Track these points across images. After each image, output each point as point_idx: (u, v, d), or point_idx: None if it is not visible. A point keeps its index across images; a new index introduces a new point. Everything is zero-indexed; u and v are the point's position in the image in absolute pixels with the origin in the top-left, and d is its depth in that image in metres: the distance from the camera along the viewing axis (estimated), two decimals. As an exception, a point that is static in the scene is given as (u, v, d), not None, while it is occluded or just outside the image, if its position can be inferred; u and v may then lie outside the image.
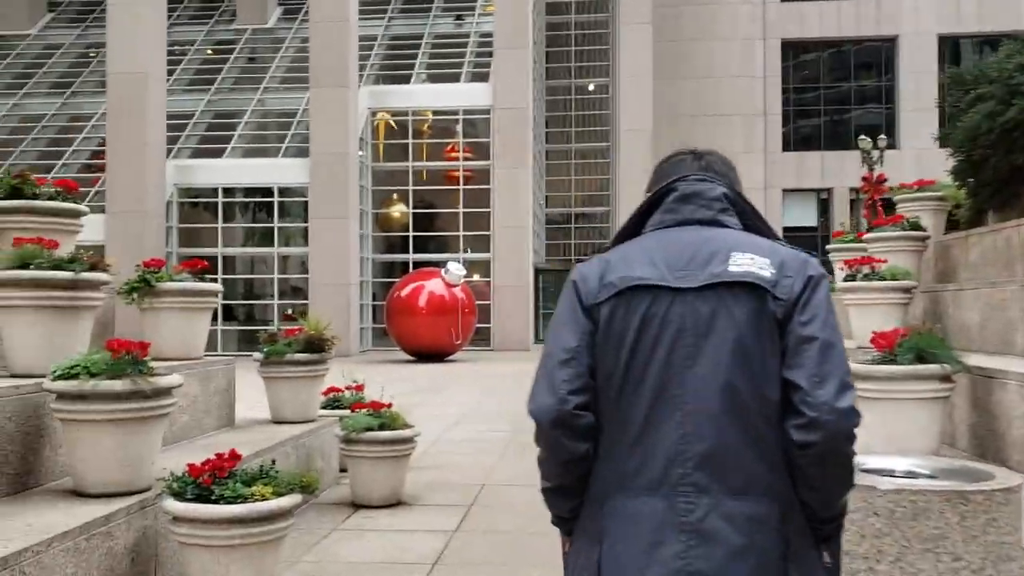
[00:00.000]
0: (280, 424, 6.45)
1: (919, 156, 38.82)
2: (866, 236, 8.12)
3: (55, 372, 3.77)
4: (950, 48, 39.67)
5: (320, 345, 6.48)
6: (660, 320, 1.65)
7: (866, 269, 6.68)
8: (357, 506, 5.88)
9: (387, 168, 26.27)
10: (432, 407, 11.29)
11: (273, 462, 4.03)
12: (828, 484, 1.63)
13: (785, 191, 39.44)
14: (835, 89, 40.51)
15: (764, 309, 1.62)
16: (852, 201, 39.58)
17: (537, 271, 27.20)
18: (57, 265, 4.25)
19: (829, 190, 39.53)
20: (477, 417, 10.48)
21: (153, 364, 3.93)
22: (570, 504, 1.76)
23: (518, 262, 24.20)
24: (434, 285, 19.85)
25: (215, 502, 3.58)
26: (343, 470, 6.53)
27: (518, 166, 24.28)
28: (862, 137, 34.37)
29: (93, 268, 4.38)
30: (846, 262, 6.80)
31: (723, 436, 1.60)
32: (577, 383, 1.66)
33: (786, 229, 39.37)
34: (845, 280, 6.84)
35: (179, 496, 3.63)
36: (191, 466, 3.68)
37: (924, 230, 7.94)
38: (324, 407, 7.11)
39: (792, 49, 40.11)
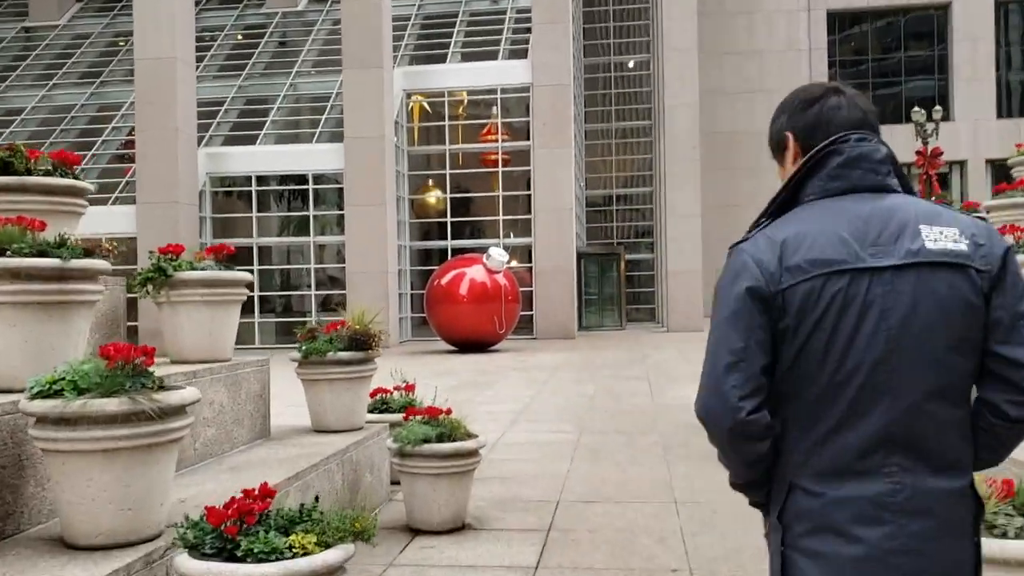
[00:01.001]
0: (322, 433, 5.59)
1: (975, 128, 37.28)
2: (990, 203, 7.05)
3: (33, 388, 2.91)
4: (1006, 14, 37.91)
5: (367, 341, 5.61)
6: (861, 303, 1.55)
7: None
8: (414, 531, 4.99)
9: (423, 152, 25.40)
10: (483, 404, 10.39)
11: (316, 499, 3.13)
12: (1011, 450, 1.68)
13: (832, 168, 38.02)
14: (885, 60, 38.95)
15: (966, 284, 1.57)
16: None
17: (579, 255, 26.20)
18: (42, 251, 3.39)
19: (878, 166, 38.04)
20: (535, 415, 9.56)
21: (167, 371, 3.05)
22: (764, 491, 1.71)
23: (561, 246, 23.22)
24: (475, 272, 18.95)
25: (242, 559, 2.70)
26: (395, 482, 5.66)
27: (559, 146, 23.25)
28: (916, 109, 32.88)
29: (88, 254, 3.50)
30: (1002, 228, 5.79)
31: (930, 419, 1.57)
32: (748, 387, 1.58)
33: (834, 208, 37.96)
34: (999, 197, 5.77)
35: (195, 550, 2.75)
36: (210, 511, 2.79)
37: (1058, 195, 6.88)
38: (371, 410, 6.25)
39: (838, 19, 38.59)
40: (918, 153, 32.94)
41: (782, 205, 1.70)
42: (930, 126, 32.57)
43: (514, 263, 22.81)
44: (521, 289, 20.43)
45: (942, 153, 33.35)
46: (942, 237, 1.58)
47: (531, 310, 23.05)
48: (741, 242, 1.68)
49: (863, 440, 1.56)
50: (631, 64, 34.80)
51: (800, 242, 1.59)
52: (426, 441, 4.94)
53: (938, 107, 34.02)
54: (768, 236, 1.63)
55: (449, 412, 5.27)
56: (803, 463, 1.60)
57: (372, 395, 6.34)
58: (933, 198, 33.36)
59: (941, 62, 38.27)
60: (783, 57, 37.73)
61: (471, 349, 18.97)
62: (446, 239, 24.22)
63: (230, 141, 23.48)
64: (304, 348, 5.54)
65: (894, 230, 1.59)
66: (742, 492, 1.77)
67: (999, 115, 37.46)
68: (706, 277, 28.59)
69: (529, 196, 23.76)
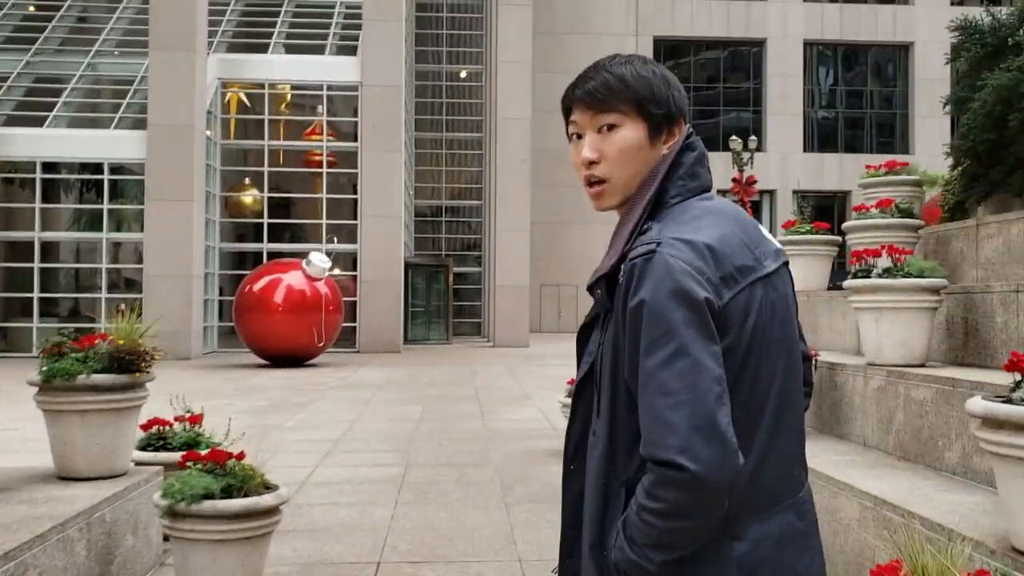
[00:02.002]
0: (68, 482, 4.24)
1: (784, 159, 39.36)
2: (846, 224, 6.62)
3: None
4: (815, 54, 40.32)
5: (134, 361, 4.31)
6: (770, 312, 1.42)
7: (882, 262, 5.11)
8: (186, 616, 3.77)
9: (239, 146, 23.53)
10: (294, 429, 9.11)
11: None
12: None
13: (655, 190, 39.04)
14: (707, 91, 40.40)
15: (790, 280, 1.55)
16: (718, 201, 39.67)
17: (407, 266, 25.10)
18: None
19: (697, 190, 39.40)
20: (354, 443, 8.39)
21: None
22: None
23: (388, 255, 22.04)
24: (293, 278, 17.45)
25: None
26: (167, 538, 4.38)
27: (389, 149, 22.10)
28: (733, 138, 34.22)
29: None
30: (855, 253, 5.26)
31: (802, 420, 1.52)
32: (731, 422, 1.30)
33: (656, 229, 38.99)
34: (856, 277, 5.31)
35: None
36: None
37: (917, 217, 6.53)
38: (143, 447, 4.94)
39: (664, 47, 39.72)
40: (734, 180, 34.28)
41: (652, 207, 1.46)
42: (746, 155, 34.01)
43: (337, 271, 21.42)
44: (344, 299, 19.09)
45: (756, 181, 34.86)
46: (771, 234, 1.53)
47: (354, 321, 21.74)
48: (652, 250, 1.35)
49: (785, 464, 1.43)
50: (464, 74, 34.16)
51: (723, 247, 1.39)
52: (207, 497, 3.73)
53: (753, 137, 35.62)
54: (686, 240, 1.36)
55: (241, 456, 4.08)
56: (740, 503, 1.35)
57: (146, 427, 5.02)
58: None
59: (756, 96, 40.19)
60: (612, 79, 38.34)
61: (285, 363, 17.43)
62: (262, 242, 22.45)
63: (13, 122, 20.72)
64: (46, 369, 4.18)
65: (755, 231, 1.48)
66: (658, 568, 1.35)
67: (805, 149, 39.76)
68: (533, 292, 28.24)
69: (356, 201, 22.45)
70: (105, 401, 4.25)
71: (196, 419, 5.18)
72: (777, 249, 1.49)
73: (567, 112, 1.57)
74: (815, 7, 39.46)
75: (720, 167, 38.82)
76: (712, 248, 1.36)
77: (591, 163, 1.50)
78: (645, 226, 1.42)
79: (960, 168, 6.59)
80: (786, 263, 1.51)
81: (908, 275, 4.98)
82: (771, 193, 39.03)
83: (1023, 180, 5.78)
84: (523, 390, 13.06)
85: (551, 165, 36.86)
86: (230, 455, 4.07)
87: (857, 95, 40.51)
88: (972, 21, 5.89)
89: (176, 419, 5.20)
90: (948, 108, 6.27)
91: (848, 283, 5.24)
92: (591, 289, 1.50)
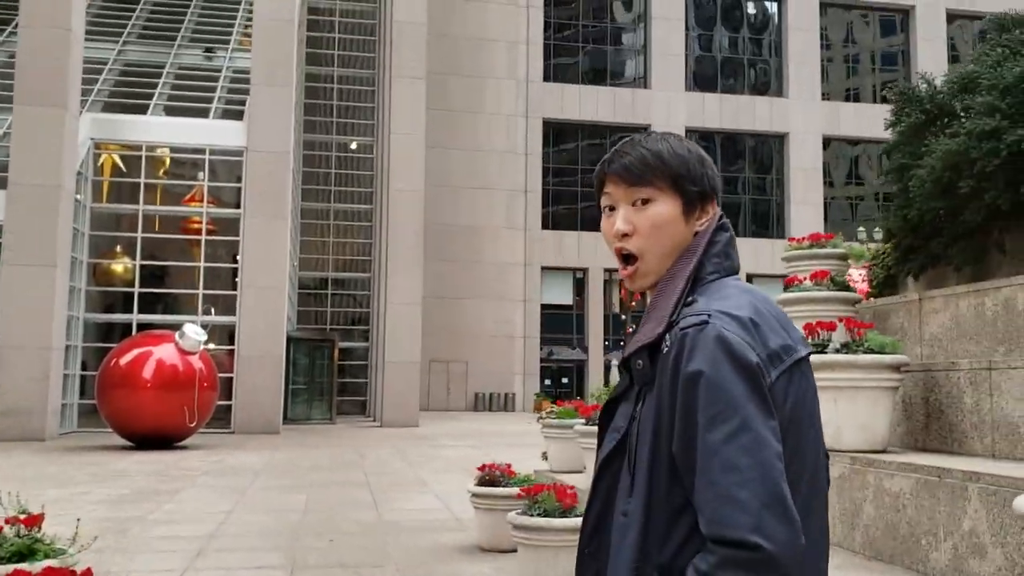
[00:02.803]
0: None
1: (668, 241, 40.17)
2: (779, 297, 6.22)
3: None
4: (695, 141, 41.76)
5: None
6: (802, 396, 1.35)
7: (839, 336, 4.66)
8: None
9: (112, 211, 22.00)
10: (159, 524, 7.95)
11: None
12: None
13: (544, 268, 39.10)
14: (592, 171, 41.09)
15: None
16: (606, 282, 40.02)
17: (288, 340, 23.82)
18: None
19: (585, 270, 39.70)
20: (229, 541, 7.31)
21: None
22: None
23: (270, 328, 20.78)
24: (165, 352, 16.06)
25: None
26: None
27: (275, 216, 21.06)
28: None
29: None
30: (808, 326, 4.80)
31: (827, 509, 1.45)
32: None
33: (545, 307, 38.91)
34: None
35: None
36: None
37: (853, 290, 6.19)
38: (-41, 560, 3.87)
39: (553, 129, 40.34)
40: (623, 259, 34.75)
41: (694, 281, 1.41)
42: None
43: (212, 345, 20.02)
44: (220, 375, 17.73)
45: (643, 261, 35.48)
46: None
47: (230, 399, 20.26)
48: (704, 321, 1.29)
49: (821, 554, 1.37)
50: (354, 145, 33.54)
51: (765, 323, 1.33)
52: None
53: (641, 218, 36.25)
54: (732, 315, 1.31)
55: (88, 575, 3.14)
56: None
57: (-36, 534, 3.96)
58: (633, 303, 35.15)
59: (641, 178, 41.07)
60: (503, 158, 38.57)
61: (154, 445, 15.89)
62: (132, 312, 20.84)
63: None
64: None
65: (784, 316, 1.41)
66: None
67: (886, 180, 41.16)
68: (421, 368, 27.33)
69: (235, 270, 21.21)
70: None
71: (33, 521, 4.16)
72: (803, 336, 1.43)
73: (600, 184, 1.58)
74: (696, 96, 41.03)
75: (607, 248, 39.34)
76: (757, 325, 1.32)
77: (624, 235, 1.50)
78: (690, 298, 1.38)
79: (893, 241, 6.33)
80: (811, 352, 1.45)
81: (870, 351, 4.53)
82: (656, 274, 39.63)
83: (964, 252, 5.51)
84: (417, 475, 12.13)
85: (443, 239, 36.45)
86: (73, 572, 3.12)
87: (734, 182, 42.02)
88: (910, 88, 5.67)
89: (7, 521, 4.17)
90: (888, 176, 5.99)
91: (803, 359, 4.74)
92: (629, 360, 1.43)
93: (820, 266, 7.06)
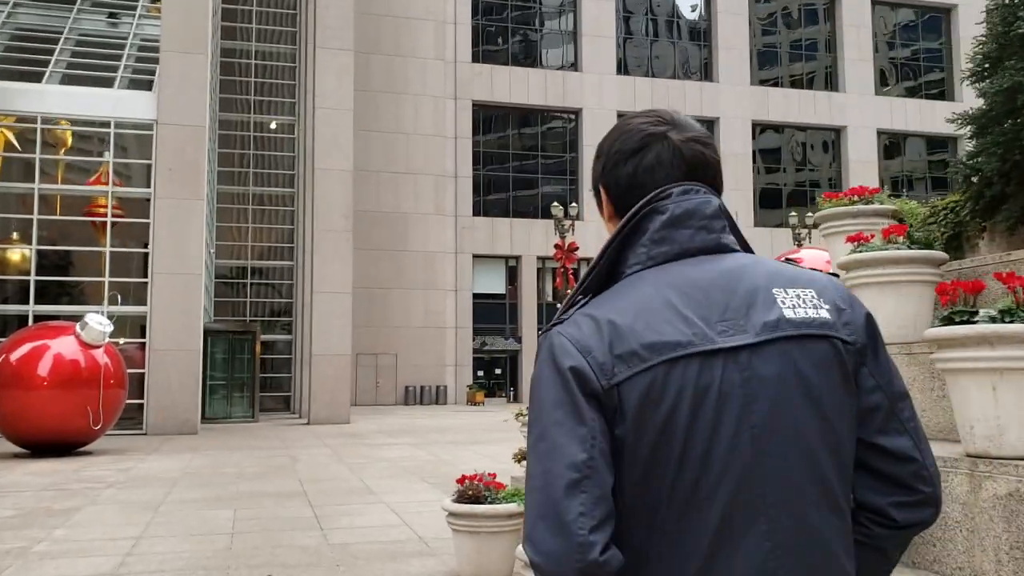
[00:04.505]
0: None
1: (600, 230, 39.26)
2: (844, 260, 4.99)
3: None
4: (628, 126, 40.87)
5: None
6: (716, 395, 1.17)
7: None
8: None
9: (3, 191, 19.72)
10: (45, 559, 6.32)
11: None
12: (894, 567, 1.36)
13: (476, 256, 37.74)
14: (525, 159, 39.86)
15: (834, 359, 1.23)
16: (539, 270, 38.90)
17: (206, 332, 21.90)
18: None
19: (518, 258, 38.50)
20: (138, 580, 5.76)
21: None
22: None
23: (185, 320, 18.89)
24: (64, 346, 14.15)
25: None
26: None
27: (189, 196, 19.15)
28: (555, 204, 33.61)
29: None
30: (850, 238, 3.78)
31: (818, 541, 1.19)
32: (597, 514, 1.13)
33: (476, 296, 37.55)
34: (857, 251, 3.97)
35: None
36: None
37: (940, 247, 5.00)
38: None
39: (483, 112, 38.96)
40: (556, 247, 33.53)
41: (601, 279, 1.31)
42: (567, 222, 33.40)
43: (122, 341, 18.06)
44: (129, 371, 15.85)
45: (577, 248, 34.35)
46: (800, 302, 1.25)
47: (141, 398, 18.34)
48: (552, 327, 1.26)
49: None
50: (273, 125, 31.44)
51: (632, 322, 1.21)
52: None
53: (574, 204, 35.21)
54: (590, 315, 1.23)
55: None
56: None
57: None
58: (569, 291, 34.25)
59: (573, 166, 40.13)
60: (430, 141, 37.02)
61: (52, 452, 13.99)
62: (28, 303, 18.68)
63: None
64: None
65: (743, 298, 1.24)
66: None
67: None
68: (351, 361, 25.70)
69: (146, 255, 19.22)
70: None
71: None
72: (775, 320, 1.21)
73: None
74: (627, 80, 40.15)
75: (540, 235, 38.31)
76: (614, 324, 1.20)
77: None
78: (578, 297, 1.29)
79: (969, 190, 5.17)
80: (791, 338, 1.21)
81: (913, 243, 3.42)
82: (588, 261, 38.68)
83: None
84: (361, 481, 10.63)
85: (367, 226, 34.70)
86: None
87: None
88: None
89: None
90: (991, 100, 4.77)
91: (937, 332, 3.50)
92: None
93: (863, 225, 5.90)
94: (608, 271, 1.31)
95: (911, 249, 4.73)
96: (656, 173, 1.32)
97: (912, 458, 1.26)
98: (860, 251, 4.86)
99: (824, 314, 1.24)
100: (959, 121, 5.13)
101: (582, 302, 1.28)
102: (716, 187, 1.35)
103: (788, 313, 1.22)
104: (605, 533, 1.12)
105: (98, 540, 7.00)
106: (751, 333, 1.20)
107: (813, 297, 1.25)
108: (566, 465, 1.14)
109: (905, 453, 1.26)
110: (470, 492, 5.56)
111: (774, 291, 1.24)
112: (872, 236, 5.05)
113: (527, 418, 1.23)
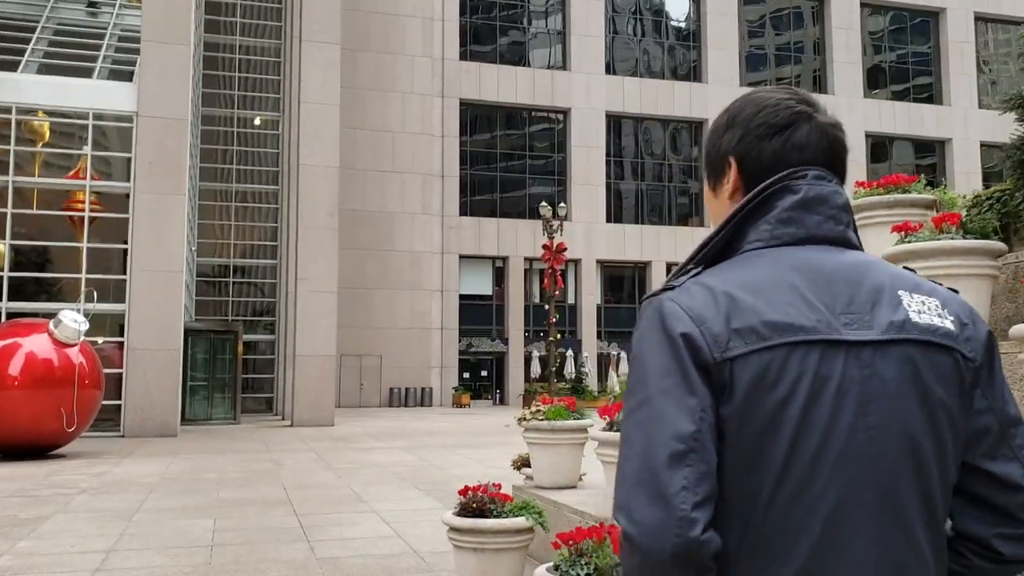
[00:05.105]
0: None
1: (589, 230, 38.87)
2: (893, 250, 4.55)
3: None
4: (617, 127, 40.50)
5: None
6: (835, 389, 1.11)
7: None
8: None
9: (-25, 182, 19.04)
10: (10, 572, 5.79)
11: None
12: None
13: (463, 257, 37.23)
14: (512, 159, 39.39)
15: (954, 373, 1.16)
16: (526, 271, 38.42)
17: (187, 332, 21.29)
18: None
19: (505, 258, 38.02)
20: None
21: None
22: None
23: (166, 319, 18.27)
24: (36, 344, 13.54)
25: None
26: None
27: (171, 192, 18.55)
28: (543, 204, 33.21)
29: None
30: (896, 227, 3.35)
31: (921, 554, 1.13)
32: (701, 491, 1.07)
33: (463, 297, 37.03)
34: (905, 242, 3.56)
35: None
36: None
37: (996, 238, 4.57)
38: None
39: (471, 111, 38.48)
40: (544, 247, 33.10)
41: (716, 254, 1.24)
42: (555, 222, 32.96)
43: (101, 340, 17.45)
44: (106, 371, 15.26)
45: (565, 249, 33.94)
46: (925, 308, 1.19)
47: (119, 399, 17.72)
48: (660, 292, 1.19)
49: None
50: (258, 121, 30.82)
51: (752, 298, 1.14)
52: None
53: (563, 204, 34.80)
54: (704, 284, 1.17)
55: None
56: None
57: None
58: (557, 291, 33.68)
59: (561, 167, 39.73)
60: (417, 140, 36.51)
61: (21, 455, 13.39)
62: (1, 300, 18.02)
63: None
64: None
65: (868, 294, 1.18)
66: None
67: (608, 220, 39.58)
68: (335, 362, 25.17)
69: (125, 252, 18.60)
70: None
71: None
72: (901, 322, 1.15)
73: None
74: (616, 80, 39.79)
75: (527, 235, 37.84)
76: (732, 296, 1.14)
77: None
78: (689, 267, 1.23)
79: (1022, 178, 4.75)
80: (917, 343, 1.14)
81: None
82: (576, 263, 38.32)
83: None
84: (350, 488, 10.11)
85: (353, 226, 34.12)
86: None
87: (656, 168, 41.04)
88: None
89: None
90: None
91: (1027, 330, 3.06)
92: None
93: (899, 216, 5.48)
94: (723, 246, 1.24)
95: (967, 239, 4.30)
96: (804, 153, 1.26)
97: (1021, 487, 1.19)
98: (910, 241, 4.42)
99: (948, 325, 1.18)
100: (1008, 103, 4.71)
101: (694, 272, 1.21)
102: (842, 179, 1.30)
103: (914, 317, 1.17)
104: (707, 512, 1.07)
105: (66, 554, 6.46)
106: (876, 330, 1.14)
107: (937, 306, 1.20)
108: (671, 435, 1.08)
109: (1014, 481, 1.19)
110: (474, 505, 5.08)
111: (899, 292, 1.18)
112: (920, 225, 4.62)
113: (630, 382, 1.16)
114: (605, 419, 5.13)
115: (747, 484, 1.09)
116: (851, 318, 1.14)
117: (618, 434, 5.32)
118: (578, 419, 6.49)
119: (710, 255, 1.23)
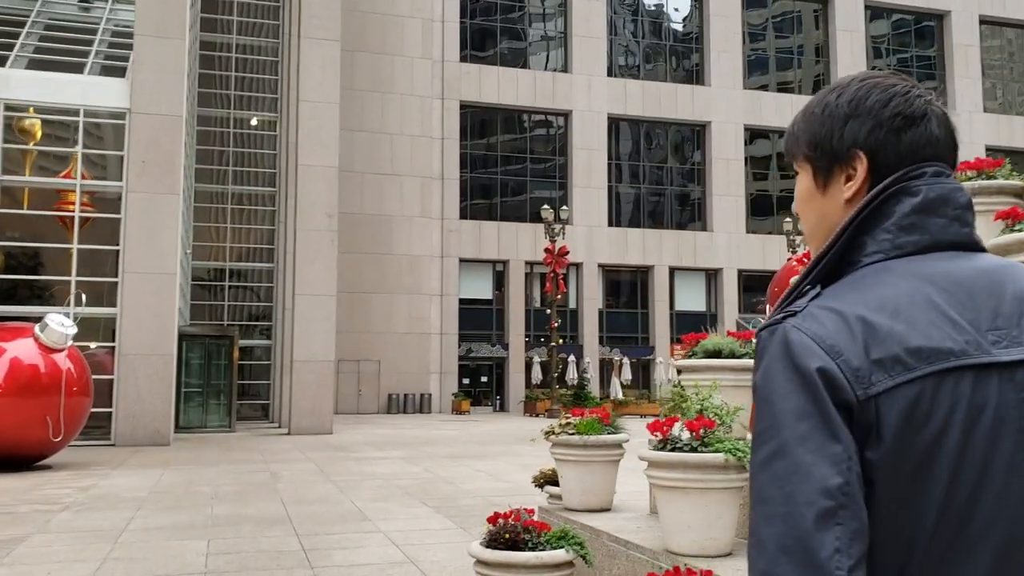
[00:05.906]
0: None
1: (590, 233, 38.27)
2: (997, 240, 3.92)
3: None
4: (617, 130, 39.91)
5: None
6: (992, 418, 1.00)
7: None
8: None
9: (-40, 181, 18.38)
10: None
11: None
12: None
13: (462, 260, 36.61)
14: (513, 161, 38.81)
15: None
16: (527, 275, 37.80)
17: (182, 337, 20.61)
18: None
19: (505, 262, 37.40)
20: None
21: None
22: None
23: (159, 323, 17.60)
24: (20, 348, 12.86)
25: None
26: None
27: (165, 191, 17.89)
28: (545, 207, 32.63)
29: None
30: (1000, 214, 2.77)
31: None
32: (855, 551, 0.95)
33: (463, 301, 36.39)
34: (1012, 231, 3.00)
35: None
36: None
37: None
38: None
39: (471, 114, 37.89)
40: (546, 251, 32.50)
41: (831, 268, 1.11)
42: (557, 226, 32.37)
43: (92, 346, 16.79)
44: (95, 377, 14.57)
45: (568, 252, 33.36)
46: None
47: (109, 406, 17.04)
48: (781, 319, 1.05)
49: None
50: (254, 122, 30.15)
51: (890, 321, 1.02)
52: None
53: (565, 207, 34.23)
54: (832, 309, 1.03)
55: None
56: None
57: None
58: (559, 295, 32.98)
59: (562, 170, 39.15)
60: (416, 142, 35.92)
61: (6, 467, 12.69)
62: (-14, 304, 17.35)
63: None
64: None
65: (1013, 304, 1.06)
66: None
67: (610, 223, 39.00)
68: (336, 368, 24.48)
69: (117, 253, 17.92)
70: None
71: None
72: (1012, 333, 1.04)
73: None
74: (618, 82, 39.24)
75: (528, 239, 37.23)
76: (867, 321, 1.01)
77: None
78: (806, 287, 1.09)
79: None
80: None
81: None
82: (577, 267, 37.73)
83: None
84: (352, 503, 9.44)
85: (350, 229, 33.45)
86: None
87: (658, 171, 40.47)
88: None
89: None
90: None
91: None
92: None
93: (984, 205, 4.86)
94: (837, 259, 1.11)
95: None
96: (937, 148, 1.14)
97: None
98: (1019, 230, 3.80)
99: None
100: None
101: (813, 293, 1.08)
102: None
103: None
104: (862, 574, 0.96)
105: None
106: (998, 347, 1.03)
107: None
108: (817, 490, 0.96)
109: None
110: (506, 535, 4.42)
111: None
112: (1027, 213, 3.99)
113: (758, 429, 1.00)
114: (657, 435, 4.47)
115: (902, 531, 0.98)
116: (999, 335, 1.03)
117: (677, 455, 4.68)
118: (613, 433, 5.84)
119: (825, 271, 1.11)
